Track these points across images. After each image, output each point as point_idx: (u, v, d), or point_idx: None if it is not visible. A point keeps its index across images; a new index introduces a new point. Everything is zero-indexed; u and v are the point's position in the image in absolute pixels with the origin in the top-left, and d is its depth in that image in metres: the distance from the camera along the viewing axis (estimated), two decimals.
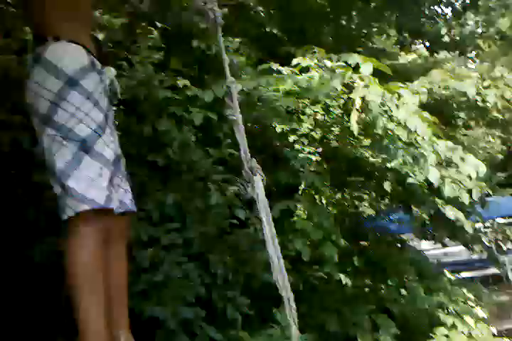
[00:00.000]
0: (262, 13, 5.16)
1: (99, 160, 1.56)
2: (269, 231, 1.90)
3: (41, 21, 1.60)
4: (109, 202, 1.57)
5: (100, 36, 3.13)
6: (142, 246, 3.08)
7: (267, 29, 5.29)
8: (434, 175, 4.58)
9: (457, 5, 6.89)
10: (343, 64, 4.19)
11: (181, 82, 3.49)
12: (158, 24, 3.44)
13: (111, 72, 1.70)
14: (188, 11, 3.63)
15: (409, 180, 4.89)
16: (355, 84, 3.82)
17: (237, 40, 4.43)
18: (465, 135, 9.47)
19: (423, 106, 5.84)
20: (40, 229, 2.89)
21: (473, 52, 8.51)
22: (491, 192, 7.71)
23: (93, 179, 1.54)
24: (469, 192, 4.75)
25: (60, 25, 1.58)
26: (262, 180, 1.81)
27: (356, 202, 5.88)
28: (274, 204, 4.28)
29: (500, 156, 15.51)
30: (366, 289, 5.20)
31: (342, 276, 4.40)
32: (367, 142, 5.07)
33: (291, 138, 4.70)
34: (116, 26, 3.23)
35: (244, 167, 1.89)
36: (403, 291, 5.27)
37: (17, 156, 2.77)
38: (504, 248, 7.52)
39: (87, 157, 1.53)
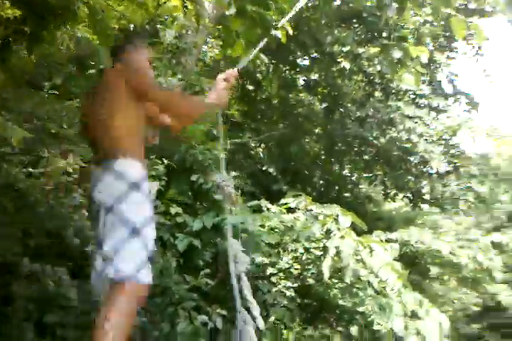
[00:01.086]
0: (261, 153, 5.53)
1: (143, 242, 1.87)
2: None
3: (112, 145, 1.99)
4: (147, 277, 1.85)
5: None
6: None
7: (264, 167, 5.61)
8: (398, 325, 4.54)
9: (440, 169, 7.37)
10: (327, 213, 4.39)
11: (174, 209, 3.66)
12: (165, 160, 3.70)
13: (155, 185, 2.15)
14: (195, 149, 3.93)
15: (376, 327, 4.83)
16: (332, 234, 3.99)
17: (234, 173, 4.69)
18: (441, 284, 9.39)
19: (400, 256, 5.97)
20: None
21: (454, 209, 8.84)
22: None
23: (135, 256, 1.84)
24: None
25: (127, 147, 1.98)
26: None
27: None
28: None
29: (475, 308, 15.08)
30: None
31: None
32: (341, 285, 5.10)
33: (269, 270, 4.75)
34: None
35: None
36: None
37: None
38: None
39: (135, 238, 1.84)
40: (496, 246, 7.04)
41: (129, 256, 1.83)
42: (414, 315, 4.78)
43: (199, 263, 3.83)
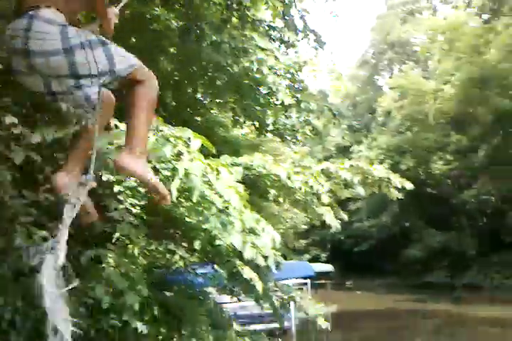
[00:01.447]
0: None
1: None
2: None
3: None
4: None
5: None
6: None
7: None
8: (237, 240, 4.82)
9: (285, 101, 7.63)
10: (178, 135, 4.31)
11: (8, 119, 3.23)
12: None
13: None
14: None
15: (217, 242, 5.08)
16: (183, 156, 3.97)
17: None
18: (277, 205, 10.17)
19: (243, 179, 6.22)
20: None
21: (293, 140, 9.39)
22: (288, 257, 8.24)
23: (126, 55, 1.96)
24: (266, 257, 5.08)
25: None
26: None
27: (168, 255, 5.84)
28: (85, 251, 4.07)
29: (305, 226, 16.89)
30: (160, 337, 5.08)
31: (139, 324, 4.26)
32: (188, 204, 5.17)
33: (116, 188, 4.58)
34: None
35: None
36: (194, 340, 5.27)
37: None
38: (289, 306, 8.04)
39: (111, 46, 1.94)
40: (325, 173, 7.71)
41: (119, 51, 1.93)
42: (251, 232, 5.12)
43: (38, 178, 3.52)
